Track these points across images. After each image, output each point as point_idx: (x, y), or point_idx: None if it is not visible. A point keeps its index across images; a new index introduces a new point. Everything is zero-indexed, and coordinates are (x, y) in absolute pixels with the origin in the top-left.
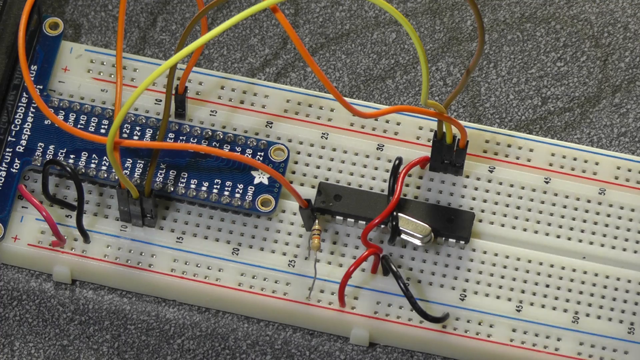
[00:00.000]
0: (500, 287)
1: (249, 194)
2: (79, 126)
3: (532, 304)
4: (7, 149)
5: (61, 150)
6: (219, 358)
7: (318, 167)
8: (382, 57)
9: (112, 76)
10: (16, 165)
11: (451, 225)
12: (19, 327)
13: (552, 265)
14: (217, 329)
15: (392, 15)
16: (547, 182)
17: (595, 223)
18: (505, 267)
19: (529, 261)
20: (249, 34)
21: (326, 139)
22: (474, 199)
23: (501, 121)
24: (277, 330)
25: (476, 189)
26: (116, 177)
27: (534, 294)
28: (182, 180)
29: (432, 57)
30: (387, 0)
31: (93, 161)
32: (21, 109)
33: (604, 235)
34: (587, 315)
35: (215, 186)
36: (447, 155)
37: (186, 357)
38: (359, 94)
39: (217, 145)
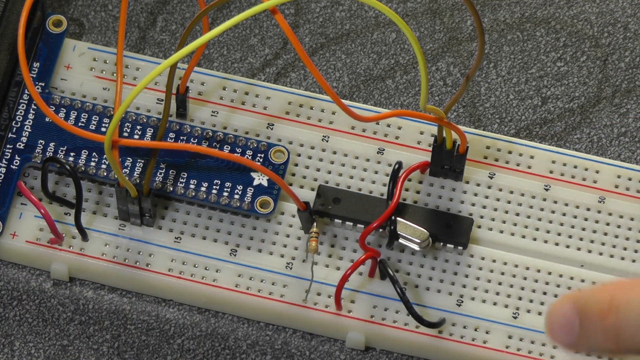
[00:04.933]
0: (498, 293)
1: (248, 195)
2: (79, 124)
3: (528, 311)
4: (8, 146)
5: (61, 148)
6: (219, 358)
7: (318, 170)
8: (382, 57)
9: (115, 74)
10: (16, 162)
11: (450, 230)
12: (19, 327)
13: (549, 273)
14: (217, 329)
15: (392, 20)
16: (547, 190)
17: (594, 231)
18: (502, 273)
19: (527, 268)
20: (249, 34)
21: (327, 141)
22: (473, 204)
23: (501, 121)
24: (277, 330)
25: (476, 194)
26: (115, 176)
27: (531, 301)
28: (182, 180)
29: (432, 57)
30: None
31: (93, 159)
32: (22, 106)
33: (603, 244)
34: None
35: (214, 187)
36: (447, 161)
37: (186, 357)
38: (359, 93)
39: (218, 146)
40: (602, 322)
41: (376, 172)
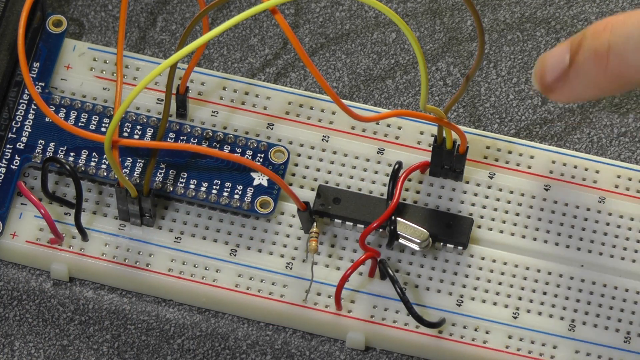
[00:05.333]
0: (497, 293)
1: (248, 195)
2: (79, 124)
3: (528, 311)
4: (8, 146)
5: (61, 148)
6: (219, 358)
7: (318, 170)
8: (382, 57)
9: (115, 74)
10: (16, 162)
11: (449, 230)
12: (19, 327)
13: (549, 273)
14: (217, 329)
15: (392, 20)
16: (547, 190)
17: (594, 231)
18: (502, 273)
19: (527, 268)
20: (249, 34)
21: (327, 141)
22: (473, 204)
23: (501, 121)
24: (277, 330)
25: (476, 194)
26: (115, 176)
27: (531, 301)
28: (182, 180)
29: (432, 57)
30: None
31: (93, 159)
32: (22, 106)
33: (603, 244)
34: (584, 323)
35: (214, 187)
36: (447, 161)
37: (186, 357)
38: (359, 94)
39: (218, 146)
40: (595, 41)
41: (376, 172)
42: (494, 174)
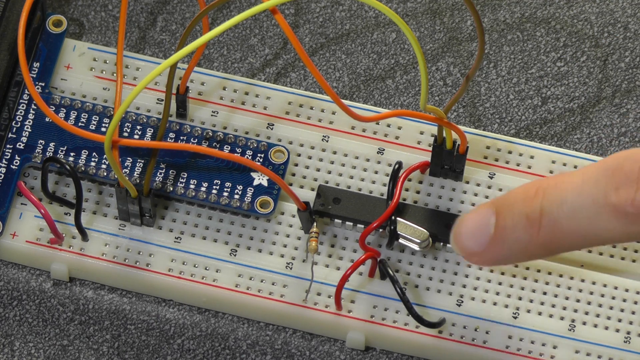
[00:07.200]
0: (497, 293)
1: (248, 195)
2: (79, 124)
3: (528, 311)
4: (8, 146)
5: (61, 148)
6: (219, 358)
7: (318, 170)
8: (382, 57)
9: (115, 75)
10: (16, 162)
11: (450, 230)
12: (19, 327)
13: (549, 273)
14: (217, 329)
15: (392, 20)
16: None
17: None
18: (502, 273)
19: (527, 268)
20: (249, 34)
21: (327, 141)
22: (473, 204)
23: (501, 121)
24: (277, 330)
25: (476, 194)
26: (115, 176)
27: (531, 301)
28: (182, 180)
29: (432, 57)
30: None
31: (93, 159)
32: (22, 106)
33: None
34: (584, 323)
35: (214, 187)
36: (447, 161)
37: (186, 357)
38: (359, 94)
39: (218, 146)
40: (526, 206)
41: (376, 172)
42: (494, 174)
